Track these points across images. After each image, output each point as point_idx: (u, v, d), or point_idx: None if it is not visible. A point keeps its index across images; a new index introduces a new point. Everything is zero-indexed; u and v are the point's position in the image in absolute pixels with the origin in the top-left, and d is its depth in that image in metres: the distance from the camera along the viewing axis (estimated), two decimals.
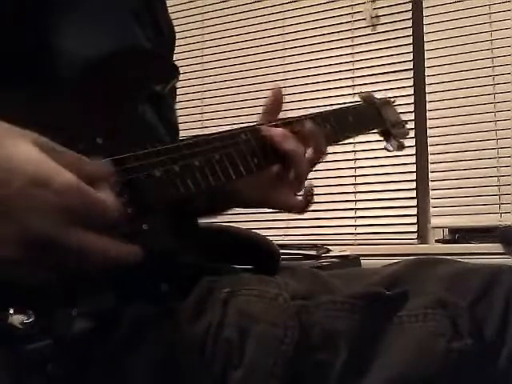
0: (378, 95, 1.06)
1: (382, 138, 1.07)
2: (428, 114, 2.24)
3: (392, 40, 2.33)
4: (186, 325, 0.51)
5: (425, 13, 2.27)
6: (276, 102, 0.70)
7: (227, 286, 0.54)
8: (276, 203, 0.68)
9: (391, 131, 1.03)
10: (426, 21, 2.27)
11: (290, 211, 0.68)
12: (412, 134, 2.20)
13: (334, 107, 0.86)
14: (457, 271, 0.54)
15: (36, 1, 0.58)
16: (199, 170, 0.58)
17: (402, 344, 0.48)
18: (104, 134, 0.53)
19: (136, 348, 0.49)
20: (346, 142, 2.47)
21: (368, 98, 1.01)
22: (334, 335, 0.49)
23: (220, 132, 0.64)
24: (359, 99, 1.02)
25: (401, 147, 1.06)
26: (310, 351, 0.49)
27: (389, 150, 1.07)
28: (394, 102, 1.08)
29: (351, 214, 2.32)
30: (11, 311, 0.41)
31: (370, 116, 0.97)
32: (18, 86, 0.50)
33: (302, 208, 0.68)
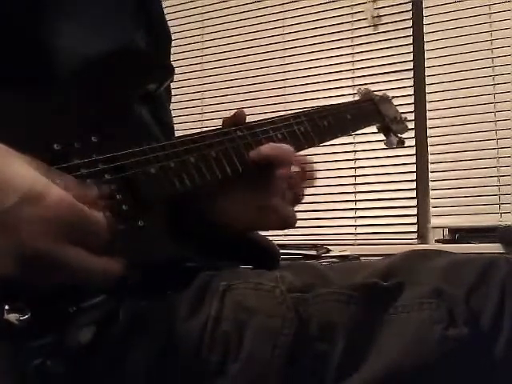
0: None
1: (382, 136, 1.08)
2: (428, 114, 2.25)
3: (392, 40, 2.33)
4: (184, 319, 0.51)
5: (425, 13, 2.28)
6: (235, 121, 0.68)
7: (224, 279, 0.54)
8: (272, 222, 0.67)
9: (391, 127, 1.03)
10: (426, 21, 2.27)
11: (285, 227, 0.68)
12: (412, 134, 2.21)
13: (332, 103, 0.86)
14: (452, 262, 0.54)
15: (34, 1, 0.58)
16: (195, 166, 0.58)
17: (399, 333, 0.49)
18: (99, 133, 0.54)
19: (134, 343, 0.50)
20: (346, 141, 2.49)
21: (367, 94, 1.01)
22: (331, 326, 0.50)
23: (215, 129, 0.65)
24: (358, 95, 1.02)
25: (401, 143, 1.06)
26: (308, 342, 0.50)
27: (389, 147, 1.07)
28: (392, 98, 1.08)
29: (351, 214, 2.33)
30: (6, 307, 0.42)
31: (368, 112, 0.97)
32: (17, 86, 0.51)
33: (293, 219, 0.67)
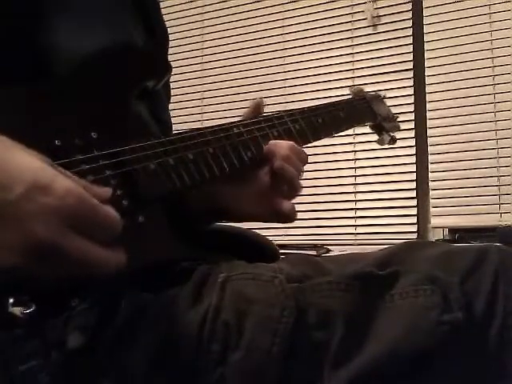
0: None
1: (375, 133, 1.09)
2: (428, 114, 2.24)
3: (392, 40, 2.33)
4: (185, 311, 0.52)
5: (425, 13, 2.28)
6: (255, 113, 0.71)
7: (223, 271, 0.55)
8: (269, 213, 0.69)
9: (383, 125, 1.05)
10: (426, 21, 2.27)
11: (283, 220, 0.69)
12: (412, 133, 2.21)
13: (326, 102, 0.88)
14: (446, 251, 0.56)
15: (31, 0, 0.58)
16: (193, 163, 0.59)
17: (395, 319, 0.50)
18: (99, 129, 0.54)
19: (135, 334, 0.50)
20: (346, 141, 2.47)
21: (359, 93, 1.02)
22: (329, 314, 0.51)
23: (212, 126, 0.65)
24: (350, 94, 1.03)
25: (393, 141, 1.08)
26: (307, 330, 0.50)
27: (382, 145, 1.09)
28: (384, 96, 1.09)
29: (351, 214, 2.32)
30: (11, 301, 0.42)
31: (361, 110, 0.99)
32: (16, 84, 0.51)
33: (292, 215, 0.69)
